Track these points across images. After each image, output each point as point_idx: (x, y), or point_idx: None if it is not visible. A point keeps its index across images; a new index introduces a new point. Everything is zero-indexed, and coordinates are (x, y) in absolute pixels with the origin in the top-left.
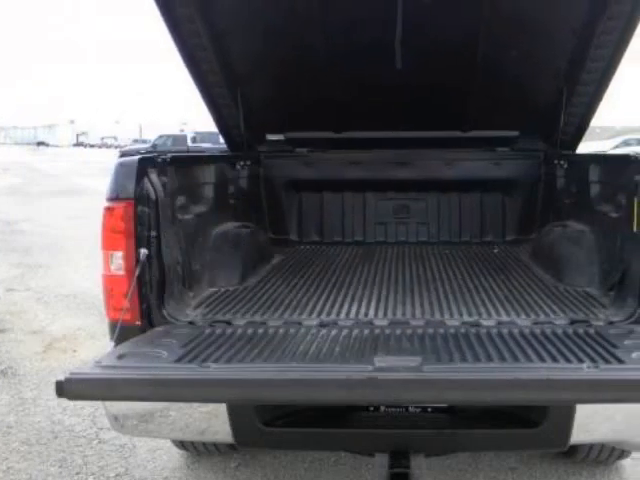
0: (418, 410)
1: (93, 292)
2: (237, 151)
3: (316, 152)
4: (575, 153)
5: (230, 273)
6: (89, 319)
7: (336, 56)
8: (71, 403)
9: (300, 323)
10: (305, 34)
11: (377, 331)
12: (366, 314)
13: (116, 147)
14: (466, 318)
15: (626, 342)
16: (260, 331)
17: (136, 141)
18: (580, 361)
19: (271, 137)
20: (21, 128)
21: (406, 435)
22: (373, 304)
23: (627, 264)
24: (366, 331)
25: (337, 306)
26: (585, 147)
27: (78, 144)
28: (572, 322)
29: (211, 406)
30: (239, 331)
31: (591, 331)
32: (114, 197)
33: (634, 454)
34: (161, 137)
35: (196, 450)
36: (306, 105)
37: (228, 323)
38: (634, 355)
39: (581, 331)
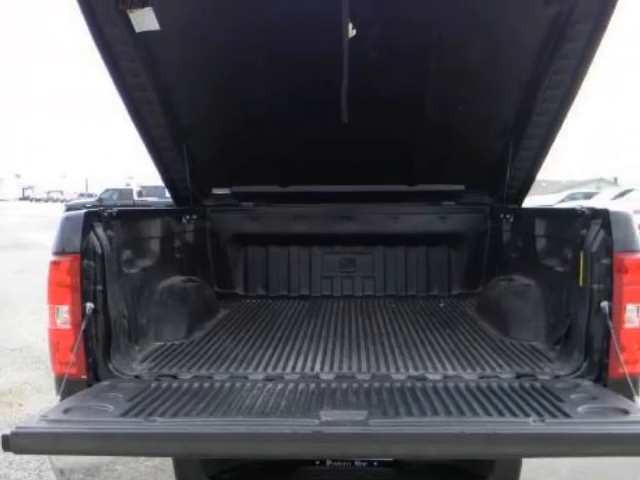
0: (364, 464)
1: (39, 346)
2: (183, 205)
3: (262, 206)
4: (521, 207)
5: (176, 327)
6: (35, 373)
7: (282, 110)
8: (17, 457)
9: (246, 377)
10: (251, 89)
11: (323, 385)
12: (312, 368)
13: (62, 201)
14: (412, 372)
15: (572, 396)
16: (206, 385)
17: (82, 195)
18: (526, 415)
19: (217, 191)
20: None
21: None
22: (319, 358)
23: (573, 318)
24: (312, 385)
25: (283, 360)
26: (531, 201)
27: (24, 198)
28: (518, 376)
29: (157, 460)
30: (185, 385)
31: (537, 385)
32: (60, 251)
33: None
34: (107, 191)
35: None
36: (252, 159)
37: (174, 377)
38: (580, 409)
39: (527, 385)
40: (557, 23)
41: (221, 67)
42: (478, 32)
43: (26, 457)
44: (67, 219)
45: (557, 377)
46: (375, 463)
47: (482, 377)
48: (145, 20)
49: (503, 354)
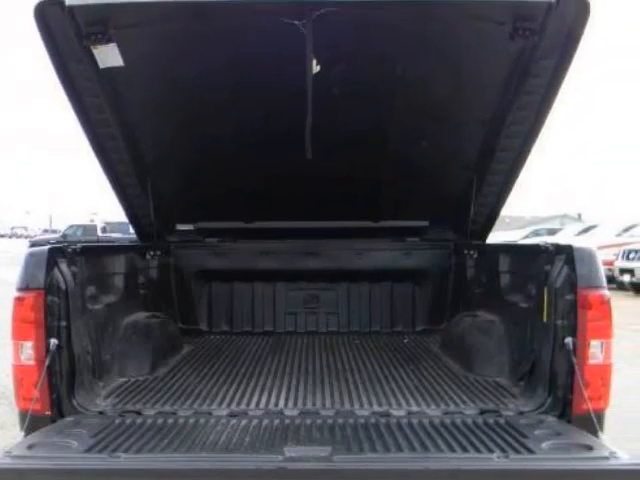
0: None
1: (3, 382)
2: (147, 241)
3: (226, 242)
4: (485, 243)
5: (140, 363)
6: None
7: (246, 147)
8: None
9: (210, 413)
10: (215, 125)
11: (287, 421)
12: (276, 404)
13: (26, 237)
14: (376, 408)
15: (536, 432)
16: (170, 421)
17: (46, 231)
18: (490, 451)
19: (181, 227)
20: None
21: None
22: (283, 394)
23: (537, 354)
24: (276, 421)
25: (247, 396)
26: (495, 237)
27: None
28: (482, 412)
29: None
30: (149, 421)
31: (501, 421)
32: (24, 287)
33: None
34: (71, 227)
35: None
36: (216, 195)
37: (138, 413)
38: (544, 445)
39: (491, 421)
40: (521, 59)
41: (185, 103)
42: (442, 68)
43: None
44: (31, 255)
45: (521, 413)
46: None
47: (446, 413)
48: (109, 56)
49: (467, 390)
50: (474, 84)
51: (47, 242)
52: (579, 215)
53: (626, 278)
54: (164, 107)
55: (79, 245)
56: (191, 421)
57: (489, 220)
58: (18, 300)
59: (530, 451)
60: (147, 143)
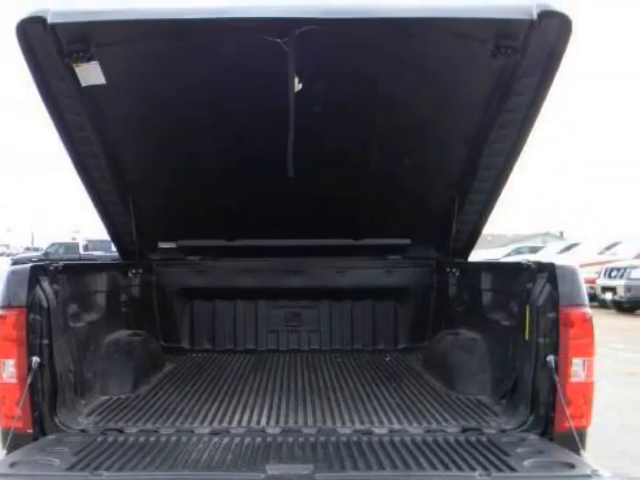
0: None
1: None
2: (129, 259)
3: (208, 260)
4: (467, 261)
5: (122, 381)
6: None
7: (228, 165)
8: None
9: (192, 431)
10: (196, 143)
11: (269, 439)
12: (258, 422)
13: (8, 255)
14: (358, 426)
15: (518, 450)
16: (152, 439)
17: (28, 249)
18: (472, 469)
19: (163, 245)
20: None
21: None
22: (265, 412)
23: (519, 372)
24: (258, 439)
25: (229, 414)
26: (477, 255)
27: None
28: (464, 430)
29: None
30: (131, 439)
31: (483, 439)
32: (6, 305)
33: None
34: (53, 245)
35: None
36: (198, 213)
37: (120, 431)
38: (526, 463)
39: (473, 439)
40: (503, 77)
41: (167, 121)
42: (424, 86)
43: None
44: (13, 273)
45: (503, 431)
46: None
47: (428, 431)
48: (91, 74)
49: (449, 408)
50: (456, 102)
51: (29, 260)
52: (561, 233)
53: (608, 296)
54: (146, 125)
55: (61, 263)
56: (173, 439)
57: (471, 238)
58: (0, 318)
59: (512, 469)
60: (129, 161)
